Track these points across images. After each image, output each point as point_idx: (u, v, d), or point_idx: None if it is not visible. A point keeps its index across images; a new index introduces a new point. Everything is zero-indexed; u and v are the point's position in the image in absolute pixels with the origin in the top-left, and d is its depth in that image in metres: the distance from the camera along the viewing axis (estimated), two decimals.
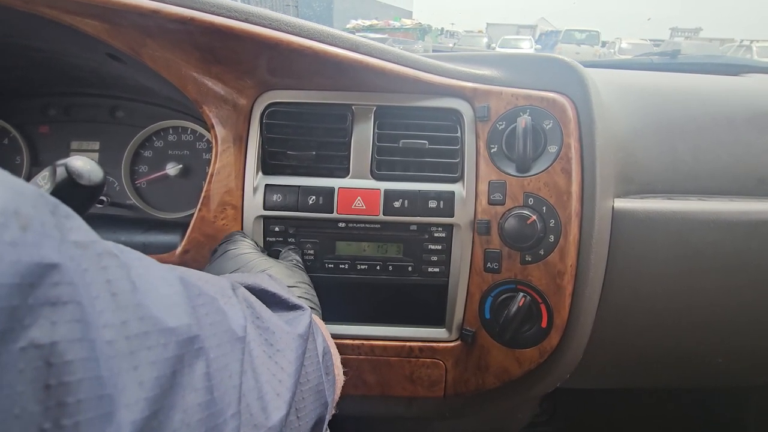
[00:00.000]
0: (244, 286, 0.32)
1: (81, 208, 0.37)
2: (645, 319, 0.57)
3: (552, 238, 0.49)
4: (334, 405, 0.37)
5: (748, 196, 0.57)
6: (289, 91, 0.53)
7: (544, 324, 0.50)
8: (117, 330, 0.16)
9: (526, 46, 12.45)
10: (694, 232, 0.52)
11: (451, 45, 14.14)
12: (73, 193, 0.35)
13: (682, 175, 0.56)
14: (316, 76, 0.52)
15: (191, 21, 0.42)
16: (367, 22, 11.41)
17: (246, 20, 0.45)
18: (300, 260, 0.50)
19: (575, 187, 0.48)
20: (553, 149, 0.49)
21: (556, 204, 0.49)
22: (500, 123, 0.51)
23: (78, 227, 0.17)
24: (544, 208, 0.49)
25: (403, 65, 0.51)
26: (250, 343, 0.26)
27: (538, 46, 14.00)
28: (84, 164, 0.34)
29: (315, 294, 0.45)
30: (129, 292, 0.17)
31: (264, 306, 0.30)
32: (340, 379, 0.38)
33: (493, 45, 13.25)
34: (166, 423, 0.17)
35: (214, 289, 0.26)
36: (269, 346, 0.27)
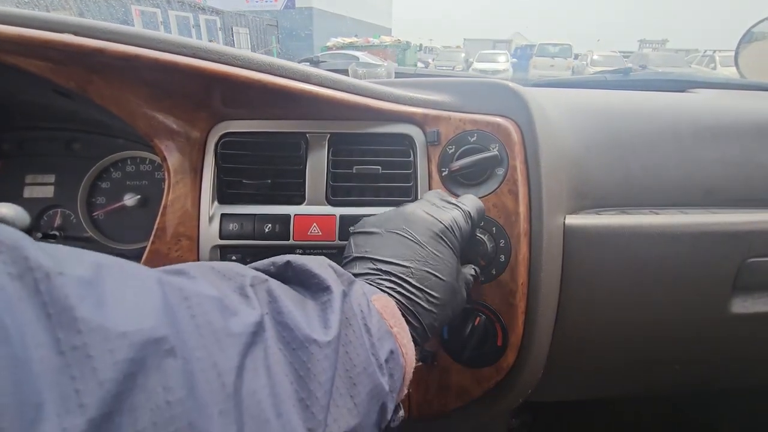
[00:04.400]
0: (295, 265, 0.31)
1: None
2: (602, 332, 0.59)
3: (503, 257, 0.50)
4: (402, 395, 0.34)
5: (697, 207, 0.59)
6: (243, 121, 0.54)
7: (499, 342, 0.51)
8: (49, 347, 0.17)
9: (503, 60, 12.82)
10: (642, 246, 0.54)
11: (430, 60, 14.45)
12: None
13: (634, 189, 0.59)
14: (269, 107, 0.53)
15: (137, 58, 0.43)
16: (347, 40, 11.57)
17: (194, 55, 0.45)
18: None
19: (522, 208, 0.50)
20: (500, 171, 0.51)
21: (505, 224, 0.50)
22: (450, 147, 0.53)
23: (12, 261, 0.18)
24: (494, 228, 0.50)
25: (355, 94, 0.52)
26: (266, 340, 0.25)
27: (514, 60, 14.41)
28: (9, 210, 0.34)
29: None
30: (70, 308, 0.18)
31: (296, 302, 0.29)
32: (410, 359, 0.34)
33: (471, 59, 13.60)
34: (127, 422, 0.18)
35: (217, 289, 0.26)
36: (286, 345, 0.26)
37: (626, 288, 0.55)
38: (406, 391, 0.34)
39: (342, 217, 0.52)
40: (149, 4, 10.89)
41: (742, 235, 0.55)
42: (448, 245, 0.41)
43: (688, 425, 1.03)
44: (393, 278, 0.37)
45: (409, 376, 0.34)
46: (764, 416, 0.93)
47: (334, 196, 0.54)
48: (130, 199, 0.61)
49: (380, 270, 0.38)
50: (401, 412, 0.35)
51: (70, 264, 0.20)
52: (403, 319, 0.35)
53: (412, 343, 0.35)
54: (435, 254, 0.39)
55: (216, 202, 0.53)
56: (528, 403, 0.59)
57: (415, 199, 0.53)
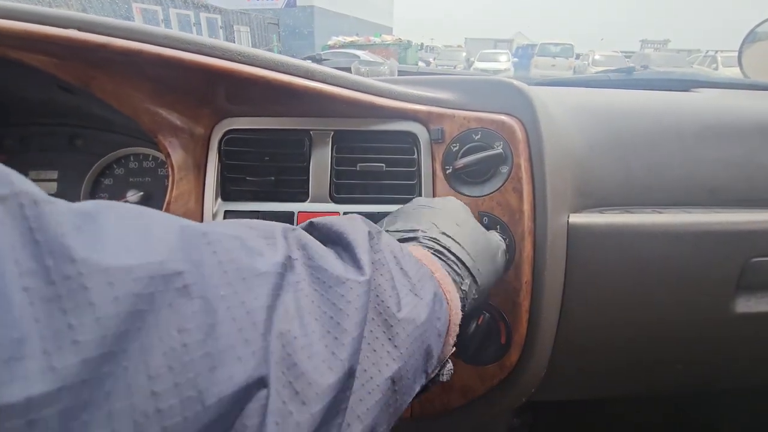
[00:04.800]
0: (320, 226, 0.30)
1: None
2: (606, 331, 0.59)
3: (506, 256, 0.50)
4: (448, 348, 0.32)
5: (701, 207, 0.59)
6: (247, 117, 0.54)
7: (503, 341, 0.51)
8: (36, 276, 0.15)
9: (504, 59, 12.80)
10: (646, 245, 0.54)
11: (431, 59, 14.44)
12: None
13: (637, 188, 0.58)
14: (273, 104, 0.53)
15: (140, 54, 0.43)
16: (348, 39, 11.56)
17: (197, 51, 0.45)
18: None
19: (527, 206, 0.50)
20: (504, 170, 0.51)
21: (509, 222, 0.50)
22: (454, 145, 0.53)
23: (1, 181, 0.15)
24: (498, 227, 0.50)
25: (358, 91, 0.52)
26: (297, 283, 0.23)
27: (516, 59, 14.40)
28: None
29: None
30: (62, 235, 0.16)
31: (327, 250, 0.27)
32: (455, 307, 0.32)
33: (472, 59, 13.58)
34: (136, 366, 0.16)
35: (241, 230, 0.24)
36: (322, 285, 0.24)
37: (629, 287, 0.55)
38: (452, 344, 0.32)
39: (345, 214, 0.52)
40: (150, 1, 10.89)
41: (745, 235, 0.55)
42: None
43: (690, 425, 1.03)
44: (437, 245, 0.36)
45: (455, 327, 0.32)
46: (766, 416, 0.92)
47: (337, 194, 0.53)
48: (133, 196, 0.61)
49: (428, 236, 0.37)
50: (449, 365, 0.33)
51: (64, 200, 0.17)
52: (444, 270, 0.33)
53: (456, 292, 0.33)
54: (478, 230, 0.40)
55: (219, 199, 0.53)
56: (529, 402, 0.59)
57: (419, 196, 0.53)
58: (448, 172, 0.53)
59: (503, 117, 0.52)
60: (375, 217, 0.52)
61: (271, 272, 0.22)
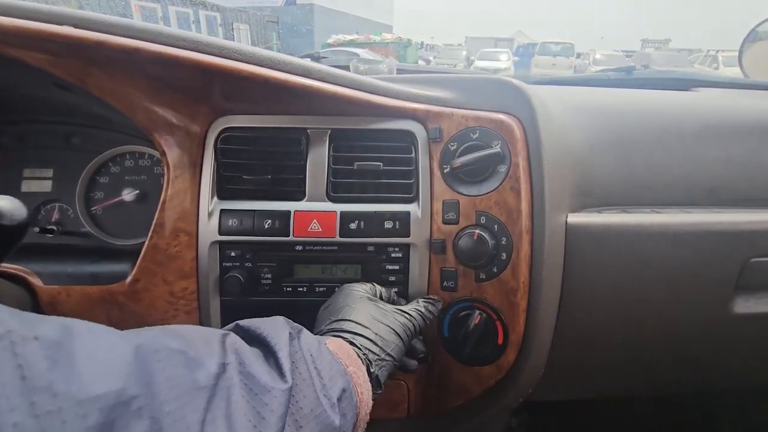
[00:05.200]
0: (246, 328, 0.34)
1: (1, 250, 0.36)
2: (604, 331, 0.58)
3: (504, 255, 0.50)
4: None
5: (700, 207, 0.59)
6: (244, 116, 0.53)
7: (500, 341, 0.51)
8: (24, 412, 0.17)
9: (504, 58, 12.78)
10: (644, 245, 0.54)
11: (431, 58, 14.42)
12: None
13: (636, 188, 0.58)
14: (270, 102, 0.53)
15: (137, 51, 0.42)
16: (348, 37, 11.53)
17: (195, 49, 0.45)
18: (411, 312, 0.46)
19: (524, 205, 0.49)
20: (502, 169, 0.51)
21: (507, 222, 0.50)
22: (452, 144, 0.52)
23: None
24: (496, 226, 0.50)
25: (355, 89, 0.52)
26: (229, 389, 0.27)
27: (516, 58, 14.38)
28: (6, 204, 0.33)
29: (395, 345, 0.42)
30: (44, 371, 0.19)
31: (257, 354, 0.31)
32: (366, 398, 0.36)
33: (472, 57, 13.56)
34: None
35: (186, 342, 0.27)
36: (250, 392, 0.28)
37: (628, 287, 0.55)
38: (362, 429, 0.36)
39: (342, 213, 0.52)
40: None
41: (745, 235, 0.54)
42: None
43: (689, 425, 1.03)
44: (348, 333, 0.40)
45: (365, 415, 0.35)
46: (765, 416, 0.92)
47: (334, 193, 0.53)
48: (128, 194, 0.60)
49: (337, 326, 0.41)
50: None
51: (40, 327, 0.20)
52: (359, 359, 0.37)
53: (368, 383, 0.37)
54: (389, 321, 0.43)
55: (215, 198, 0.53)
56: (527, 402, 0.59)
57: (416, 196, 0.53)
58: (445, 171, 0.52)
59: (502, 116, 0.52)
60: (373, 217, 0.52)
61: (208, 386, 0.26)
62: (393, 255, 0.53)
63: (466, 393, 0.53)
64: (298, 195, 0.53)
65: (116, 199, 0.61)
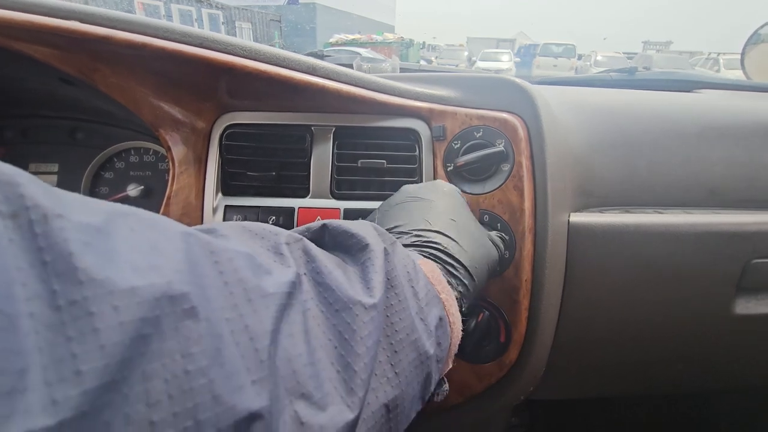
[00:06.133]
0: (333, 229, 0.29)
1: None
2: (606, 330, 0.59)
3: (507, 254, 0.50)
4: (447, 368, 0.32)
5: (702, 207, 0.59)
6: (249, 112, 0.54)
7: (502, 339, 0.51)
8: (42, 301, 0.14)
9: (506, 59, 12.78)
10: (646, 245, 0.54)
11: (433, 58, 14.42)
12: None
13: (638, 188, 0.58)
14: (274, 98, 0.53)
15: (144, 47, 0.42)
16: (350, 37, 11.55)
17: (200, 45, 0.45)
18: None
19: (528, 204, 0.50)
20: (505, 167, 0.51)
21: (510, 220, 0.50)
22: (456, 142, 0.53)
23: (6, 197, 0.15)
24: (499, 224, 0.50)
25: (360, 87, 0.52)
26: (305, 302, 0.23)
27: (518, 59, 14.38)
28: None
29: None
30: (69, 256, 0.15)
31: (333, 261, 0.26)
32: (457, 330, 0.32)
33: (474, 58, 13.57)
34: (136, 394, 0.15)
35: (251, 244, 0.23)
36: (329, 306, 0.24)
37: (629, 287, 0.55)
38: (450, 365, 0.32)
39: (346, 210, 0.52)
40: None
41: (746, 236, 0.54)
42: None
43: (688, 425, 1.03)
44: (436, 247, 0.36)
45: (455, 348, 0.32)
46: (765, 416, 0.93)
47: (338, 190, 0.53)
48: (133, 190, 0.61)
49: (425, 238, 0.36)
50: (446, 386, 0.34)
51: (75, 208, 0.17)
52: (449, 287, 0.33)
53: (459, 312, 0.33)
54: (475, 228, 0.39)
55: (220, 194, 0.53)
56: (528, 401, 0.59)
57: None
58: (449, 169, 0.53)
59: (505, 115, 0.52)
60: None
61: (279, 293, 0.22)
62: None
63: (468, 391, 0.53)
64: (302, 192, 0.53)
65: (121, 195, 0.61)
